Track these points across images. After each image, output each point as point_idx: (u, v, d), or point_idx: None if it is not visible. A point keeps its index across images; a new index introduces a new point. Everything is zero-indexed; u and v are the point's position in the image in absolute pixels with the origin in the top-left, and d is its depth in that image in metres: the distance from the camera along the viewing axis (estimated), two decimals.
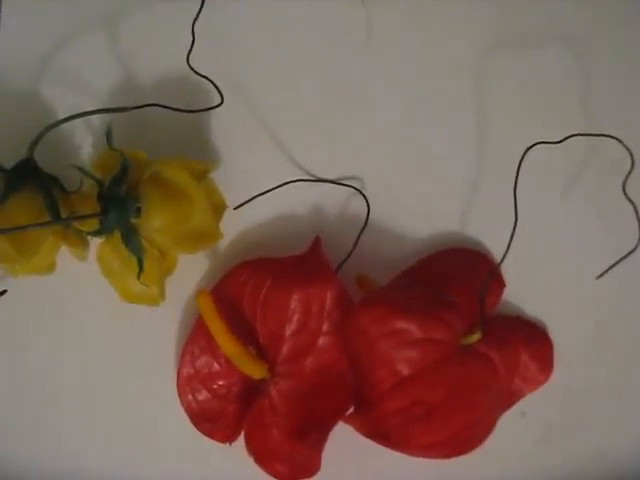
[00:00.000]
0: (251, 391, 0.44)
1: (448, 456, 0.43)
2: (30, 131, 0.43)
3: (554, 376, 0.45)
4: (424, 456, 0.43)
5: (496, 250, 0.47)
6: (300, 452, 0.43)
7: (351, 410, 0.43)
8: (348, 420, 0.43)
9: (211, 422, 0.45)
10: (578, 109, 0.47)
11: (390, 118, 0.48)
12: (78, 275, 0.46)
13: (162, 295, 0.44)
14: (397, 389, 0.42)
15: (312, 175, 0.47)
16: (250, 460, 0.43)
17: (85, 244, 0.45)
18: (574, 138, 0.41)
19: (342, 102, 0.48)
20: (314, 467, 0.43)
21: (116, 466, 0.46)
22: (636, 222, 0.43)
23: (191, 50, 0.42)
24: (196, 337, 0.45)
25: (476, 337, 0.42)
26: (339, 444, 0.43)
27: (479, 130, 0.48)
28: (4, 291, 0.46)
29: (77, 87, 0.48)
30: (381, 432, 0.42)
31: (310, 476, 0.43)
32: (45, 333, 0.47)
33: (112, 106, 0.42)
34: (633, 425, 0.46)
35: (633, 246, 0.44)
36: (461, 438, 0.43)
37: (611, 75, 0.48)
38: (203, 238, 0.44)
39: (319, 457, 0.43)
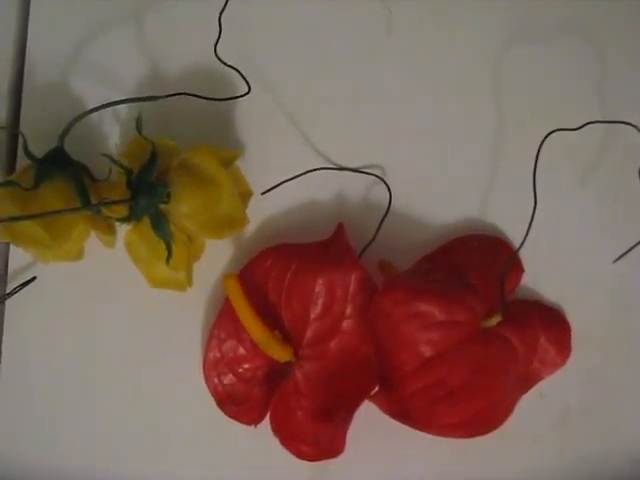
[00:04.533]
0: (276, 374, 0.45)
1: (469, 436, 0.44)
2: (61, 121, 0.44)
3: (572, 359, 0.46)
4: (446, 436, 0.44)
5: (515, 236, 0.47)
6: (325, 433, 0.44)
7: (375, 390, 0.44)
8: (372, 399, 0.43)
9: (237, 405, 0.46)
10: (595, 97, 0.48)
11: (411, 107, 0.49)
12: (106, 262, 0.47)
13: (189, 280, 0.45)
14: (420, 370, 0.42)
15: (335, 163, 0.48)
16: (276, 441, 0.44)
17: (113, 231, 0.46)
18: (591, 125, 0.42)
19: (364, 92, 0.49)
20: (339, 448, 0.44)
21: (142, 447, 0.47)
22: None
23: (218, 41, 0.43)
24: (222, 321, 0.46)
25: (496, 320, 0.43)
26: (363, 425, 0.44)
27: (499, 119, 0.49)
28: (33, 278, 0.48)
29: (106, 78, 0.49)
30: (404, 412, 0.43)
31: (335, 456, 0.44)
32: (73, 320, 0.48)
33: (140, 97, 0.44)
34: None
35: None
36: (481, 418, 0.44)
37: (627, 64, 0.49)
38: (230, 224, 0.44)
39: (343, 438, 0.44)
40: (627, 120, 0.42)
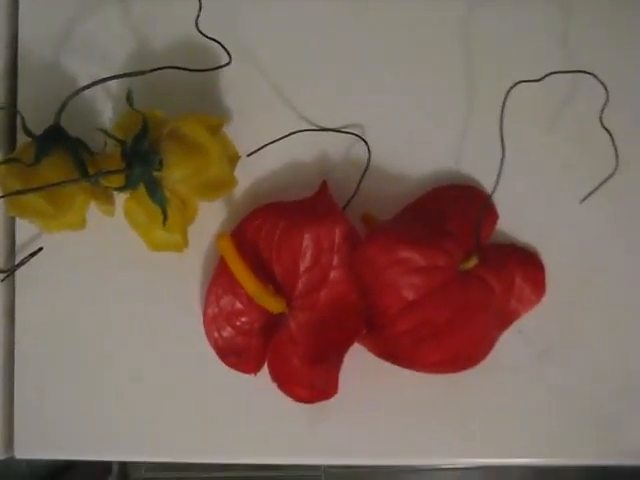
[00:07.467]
0: (271, 325, 0.48)
1: (452, 371, 0.47)
2: (56, 99, 0.46)
3: (547, 296, 0.49)
4: (431, 372, 0.47)
5: (489, 184, 0.50)
6: (319, 376, 0.47)
7: (363, 333, 0.46)
8: (361, 341, 0.46)
9: (236, 356, 0.48)
10: (559, 49, 0.50)
11: (386, 68, 0.51)
12: (107, 230, 0.50)
13: (185, 242, 0.48)
14: (404, 313, 0.45)
15: (316, 125, 0.51)
16: (274, 387, 0.47)
17: (111, 200, 0.49)
18: (554, 76, 0.44)
19: (341, 55, 0.51)
20: (332, 389, 0.46)
21: (147, 400, 0.50)
22: (613, 149, 0.46)
23: (199, 15, 0.45)
24: (219, 278, 0.48)
25: (473, 262, 0.45)
26: (354, 368, 0.47)
27: (467, 75, 0.51)
28: (40, 249, 0.50)
29: (96, 56, 0.51)
30: (392, 352, 0.46)
31: (329, 397, 0.46)
32: (78, 286, 0.51)
33: (129, 72, 0.46)
34: (625, 339, 0.50)
35: (611, 171, 0.46)
36: (464, 355, 0.47)
37: (591, 16, 0.51)
38: (220, 186, 0.47)
39: (336, 379, 0.46)
40: (588, 70, 0.44)
